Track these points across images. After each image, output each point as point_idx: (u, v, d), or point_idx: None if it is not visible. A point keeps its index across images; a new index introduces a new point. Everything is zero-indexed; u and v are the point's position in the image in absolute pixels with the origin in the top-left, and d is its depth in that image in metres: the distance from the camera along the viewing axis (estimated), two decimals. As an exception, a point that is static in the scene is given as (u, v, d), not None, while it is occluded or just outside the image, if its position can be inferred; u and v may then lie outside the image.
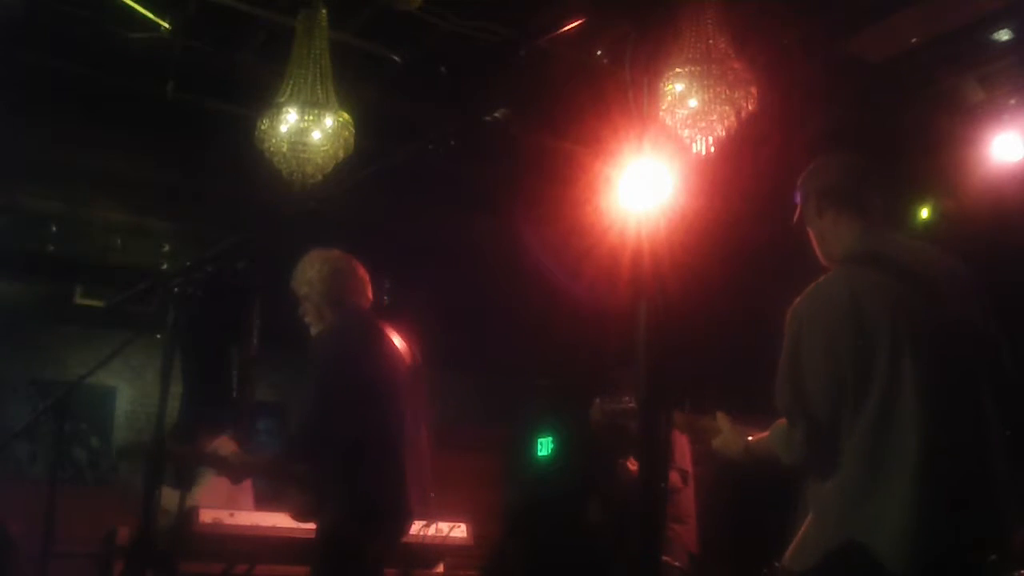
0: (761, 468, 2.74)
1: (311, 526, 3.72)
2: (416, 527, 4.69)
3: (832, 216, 2.75)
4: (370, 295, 3.95)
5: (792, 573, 2.49)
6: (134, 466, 6.94)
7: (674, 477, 5.41)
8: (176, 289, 2.61)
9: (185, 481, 4.63)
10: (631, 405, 3.03)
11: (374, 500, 3.59)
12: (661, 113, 4.35)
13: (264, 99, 4.66)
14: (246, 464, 3.92)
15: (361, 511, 3.56)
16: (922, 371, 2.44)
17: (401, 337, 3.95)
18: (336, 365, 3.65)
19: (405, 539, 4.54)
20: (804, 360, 2.52)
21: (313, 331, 3.87)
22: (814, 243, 2.84)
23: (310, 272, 3.87)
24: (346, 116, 4.62)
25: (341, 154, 4.62)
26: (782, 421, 2.61)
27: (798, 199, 2.88)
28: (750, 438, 2.77)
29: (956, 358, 2.53)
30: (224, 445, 5.71)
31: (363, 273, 3.96)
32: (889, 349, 2.45)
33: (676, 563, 5.17)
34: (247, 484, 5.47)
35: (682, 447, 5.45)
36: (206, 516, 4.40)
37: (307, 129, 4.54)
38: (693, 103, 4.33)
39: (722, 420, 2.86)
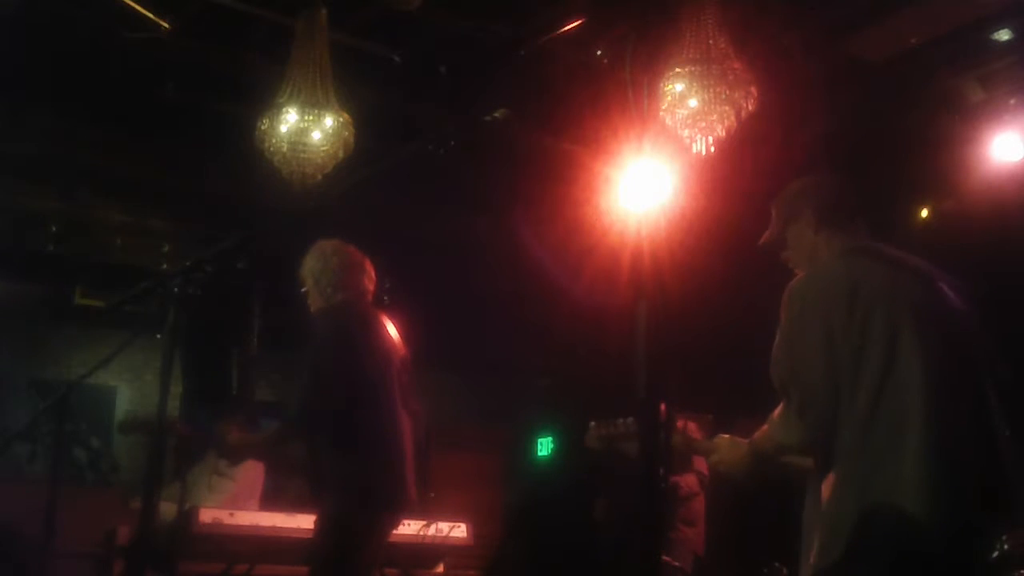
0: (765, 476, 2.72)
1: (310, 525, 3.72)
2: (416, 527, 4.69)
3: (827, 233, 2.81)
4: (371, 286, 4.03)
5: (827, 570, 2.45)
6: (134, 438, 6.90)
7: (692, 481, 5.41)
8: (176, 289, 2.61)
9: (182, 474, 4.62)
10: (627, 428, 3.00)
11: (379, 486, 3.61)
12: (661, 113, 4.35)
13: (264, 99, 4.66)
14: (243, 444, 3.95)
15: (368, 497, 3.58)
16: (922, 341, 2.47)
17: (396, 329, 4.01)
18: (332, 346, 3.73)
19: (405, 539, 4.55)
20: (800, 332, 2.56)
21: None
22: (799, 260, 2.85)
23: (313, 263, 3.96)
24: (346, 116, 4.62)
25: (341, 154, 4.63)
26: (777, 411, 2.63)
27: (779, 217, 2.90)
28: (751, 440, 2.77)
29: (955, 339, 2.56)
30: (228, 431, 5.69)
31: (366, 264, 4.03)
32: (886, 320, 2.49)
33: (676, 563, 5.17)
34: (257, 491, 5.47)
35: None
36: (206, 516, 4.40)
37: (307, 129, 4.55)
38: (693, 103, 4.33)
39: (719, 439, 2.87)
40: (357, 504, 3.57)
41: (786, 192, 2.95)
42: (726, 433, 2.90)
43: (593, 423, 3.14)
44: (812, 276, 2.69)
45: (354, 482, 3.58)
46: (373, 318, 3.91)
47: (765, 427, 2.69)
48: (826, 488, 2.49)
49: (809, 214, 2.83)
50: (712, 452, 2.87)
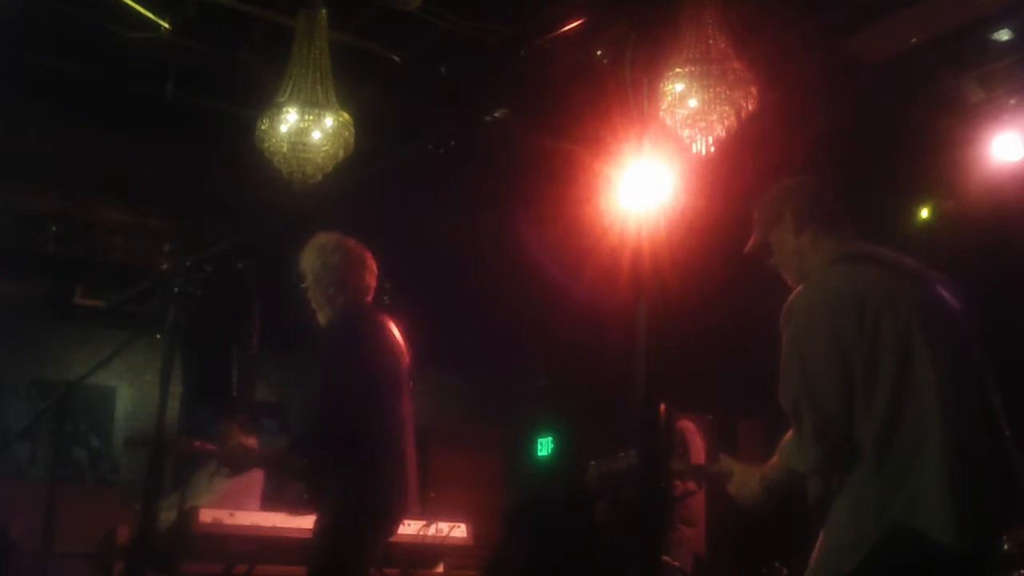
0: (781, 500, 2.69)
1: (310, 525, 3.71)
2: (416, 527, 4.69)
3: (811, 235, 2.75)
4: (373, 282, 3.94)
5: None
6: (139, 456, 6.90)
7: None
8: (176, 289, 2.60)
9: (183, 479, 4.63)
10: (628, 463, 2.93)
11: (381, 496, 3.59)
12: (661, 113, 4.35)
13: (264, 99, 4.66)
14: (250, 455, 3.91)
15: (368, 506, 3.56)
16: (932, 348, 2.44)
17: (399, 331, 3.96)
18: (343, 361, 3.66)
19: (405, 539, 4.55)
20: (808, 350, 2.49)
21: (319, 317, 3.87)
22: (786, 264, 2.81)
23: (313, 260, 3.87)
24: (346, 116, 4.62)
25: (341, 154, 4.63)
26: (787, 437, 2.58)
27: (761, 223, 2.87)
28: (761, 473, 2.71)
29: (959, 341, 2.54)
30: (238, 437, 5.67)
31: (367, 258, 3.94)
32: (895, 329, 2.44)
33: (676, 563, 5.17)
34: (255, 489, 5.46)
35: (698, 450, 5.44)
36: (206, 516, 4.40)
37: (307, 129, 4.55)
38: (693, 103, 4.33)
39: (728, 463, 2.80)
40: (359, 512, 3.54)
41: (765, 197, 2.89)
42: (727, 433, 2.87)
43: (593, 462, 3.06)
44: (813, 289, 2.61)
45: (357, 491, 3.54)
46: (380, 323, 3.83)
47: (775, 459, 2.63)
48: (841, 500, 2.44)
49: (789, 216, 2.79)
50: (727, 478, 2.79)
